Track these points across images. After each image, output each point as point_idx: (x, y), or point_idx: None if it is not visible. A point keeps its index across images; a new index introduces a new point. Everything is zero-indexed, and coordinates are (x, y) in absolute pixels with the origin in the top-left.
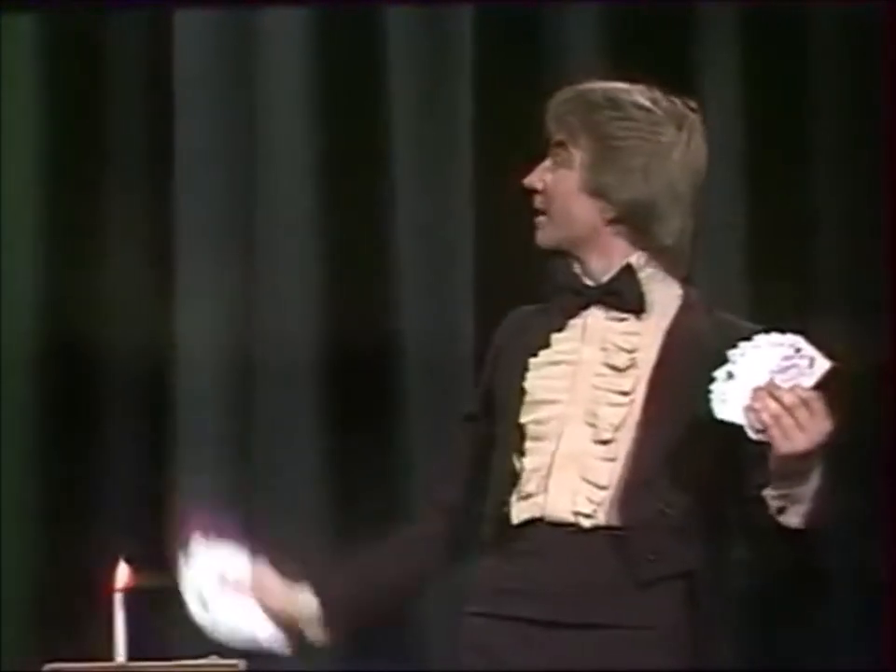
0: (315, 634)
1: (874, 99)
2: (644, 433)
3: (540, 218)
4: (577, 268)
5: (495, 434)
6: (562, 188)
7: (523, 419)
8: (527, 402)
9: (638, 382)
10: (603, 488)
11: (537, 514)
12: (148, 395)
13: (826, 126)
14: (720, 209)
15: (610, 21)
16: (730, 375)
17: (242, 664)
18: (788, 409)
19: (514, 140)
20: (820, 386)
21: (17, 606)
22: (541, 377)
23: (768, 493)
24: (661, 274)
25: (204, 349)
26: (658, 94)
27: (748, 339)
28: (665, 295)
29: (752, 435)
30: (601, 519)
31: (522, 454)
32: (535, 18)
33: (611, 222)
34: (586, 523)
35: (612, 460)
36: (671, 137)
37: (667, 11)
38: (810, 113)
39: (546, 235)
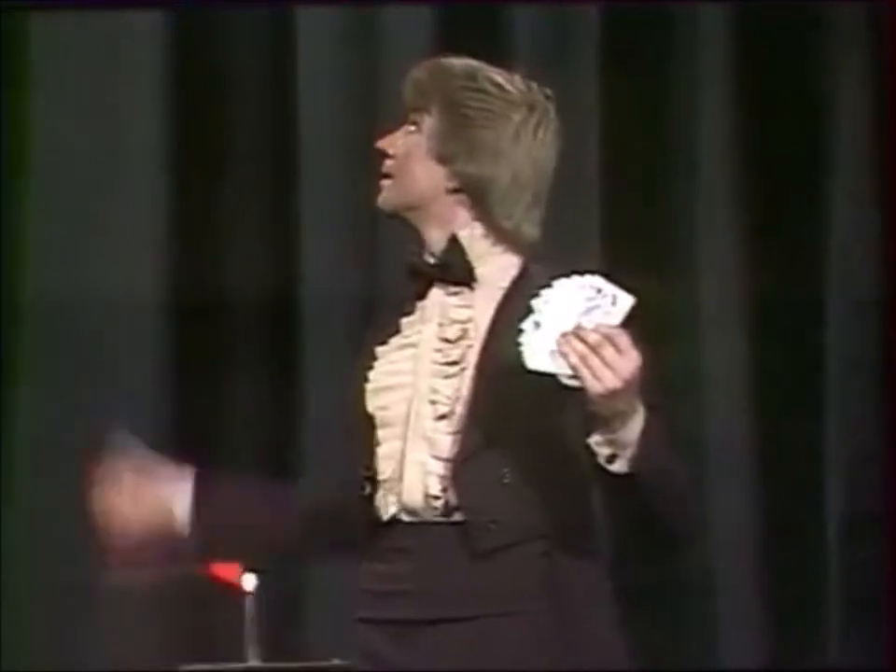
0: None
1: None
2: (475, 402)
3: (385, 181)
4: (418, 247)
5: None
6: (411, 151)
7: (369, 408)
8: (370, 391)
9: (469, 352)
10: (449, 461)
11: (396, 506)
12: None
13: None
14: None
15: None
16: (537, 325)
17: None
18: (593, 348)
19: None
20: (628, 323)
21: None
22: (387, 363)
23: (594, 440)
24: (499, 248)
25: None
26: (517, 78)
27: (548, 286)
28: (499, 268)
29: (566, 381)
30: (451, 498)
31: (376, 443)
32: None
33: (453, 192)
34: (436, 504)
35: (456, 433)
36: (521, 118)
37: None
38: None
39: (388, 198)
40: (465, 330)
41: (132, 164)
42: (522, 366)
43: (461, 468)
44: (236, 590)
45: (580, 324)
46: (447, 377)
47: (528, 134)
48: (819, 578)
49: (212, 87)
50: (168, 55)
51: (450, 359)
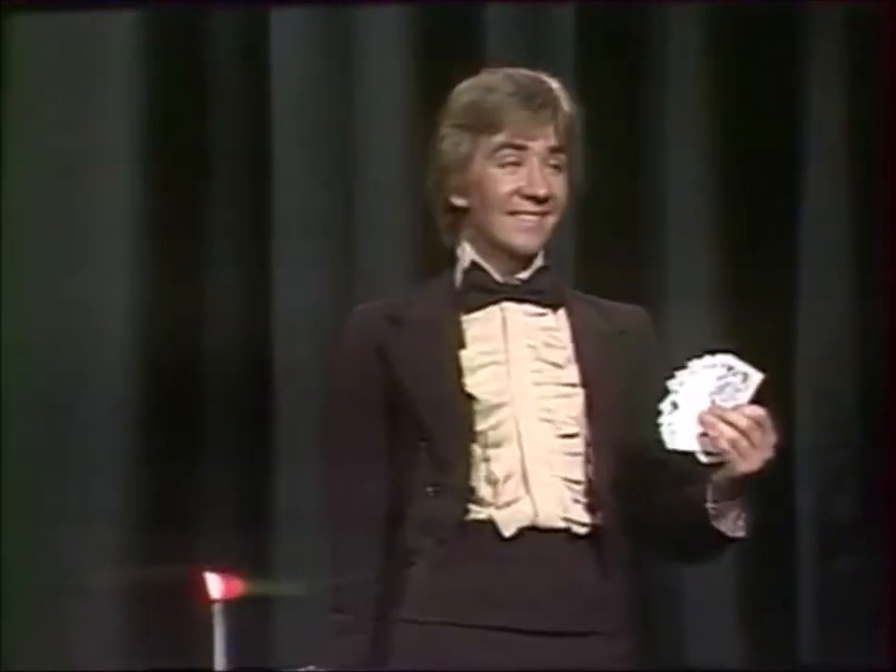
0: None
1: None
2: (596, 427)
3: (548, 220)
4: (486, 265)
5: (419, 442)
6: (567, 189)
7: (481, 426)
8: (479, 409)
9: (575, 375)
10: (580, 483)
11: (526, 523)
12: (247, 402)
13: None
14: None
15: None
16: (674, 405)
17: None
18: (743, 432)
19: None
20: (758, 400)
21: (113, 616)
22: (480, 381)
23: (709, 506)
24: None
25: (304, 348)
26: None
27: (683, 367)
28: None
29: (704, 459)
30: (589, 521)
31: (486, 460)
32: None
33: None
34: (579, 529)
35: (578, 454)
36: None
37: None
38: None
39: (543, 240)
40: (569, 356)
41: (104, 168)
42: (625, 395)
43: (594, 487)
44: (206, 597)
45: (714, 403)
46: (564, 397)
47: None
48: (791, 584)
49: (185, 90)
50: (141, 57)
51: (567, 381)
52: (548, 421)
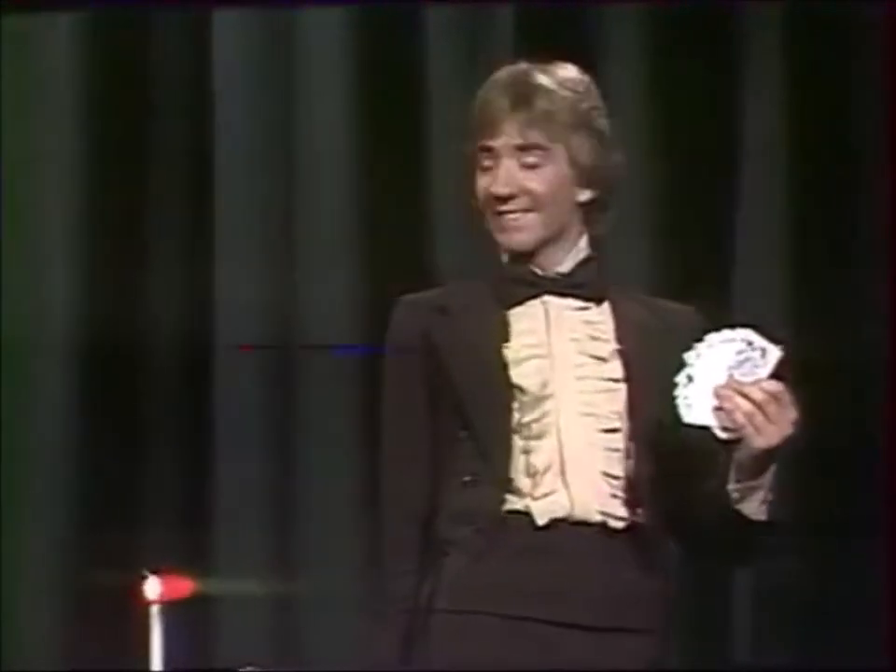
0: None
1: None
2: (643, 421)
3: (525, 219)
4: (523, 259)
5: (458, 432)
6: (551, 183)
7: (525, 418)
8: (524, 400)
9: (619, 369)
10: (618, 478)
11: (561, 514)
12: (188, 402)
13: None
14: None
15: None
16: (690, 378)
17: None
18: (759, 405)
19: None
20: (777, 374)
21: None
22: (524, 373)
23: (731, 486)
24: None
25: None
26: (568, 66)
27: (700, 340)
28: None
29: (721, 435)
30: (627, 517)
31: (526, 452)
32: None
33: (581, 206)
34: (616, 524)
35: (619, 450)
36: (597, 104)
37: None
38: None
39: (534, 235)
40: (611, 348)
41: (46, 167)
42: (667, 392)
43: (634, 483)
44: (142, 598)
45: (732, 377)
46: (607, 392)
47: (603, 115)
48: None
49: (128, 90)
50: (84, 58)
51: (610, 376)
52: (590, 415)
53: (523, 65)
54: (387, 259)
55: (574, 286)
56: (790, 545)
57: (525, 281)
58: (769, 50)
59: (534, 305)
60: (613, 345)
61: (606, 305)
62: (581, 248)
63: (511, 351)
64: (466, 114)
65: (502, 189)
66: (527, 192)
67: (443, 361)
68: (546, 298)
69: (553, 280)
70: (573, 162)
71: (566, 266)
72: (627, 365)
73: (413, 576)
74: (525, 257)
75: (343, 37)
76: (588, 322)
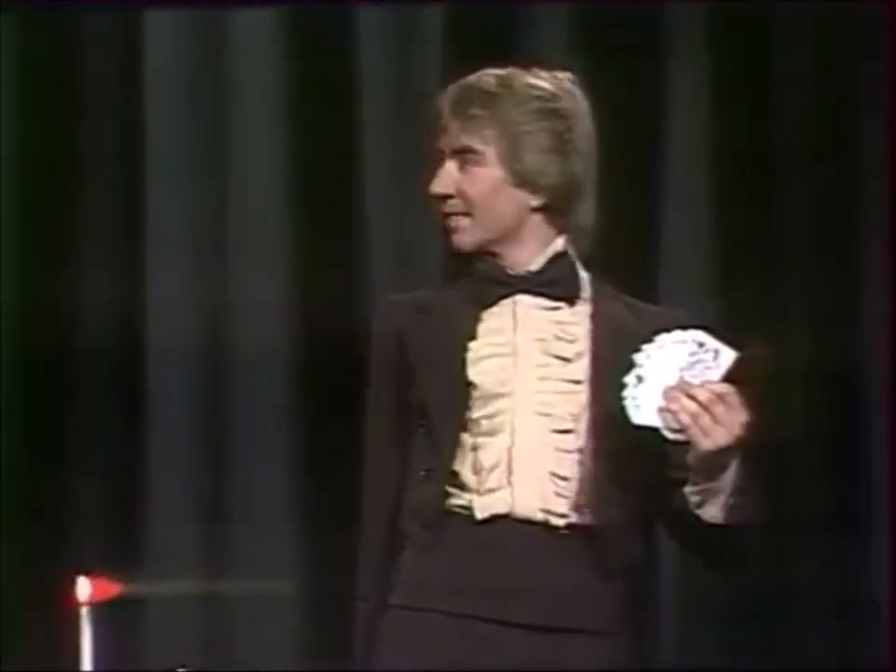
0: None
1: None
2: (600, 425)
3: (462, 221)
4: (491, 259)
5: (420, 427)
6: (488, 185)
7: (475, 414)
8: (477, 397)
9: (583, 371)
10: (566, 479)
11: (502, 510)
12: (119, 402)
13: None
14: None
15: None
16: (639, 379)
17: None
18: (704, 406)
19: None
20: (732, 377)
21: None
22: (483, 370)
23: (688, 489)
24: (575, 258)
25: (176, 348)
26: (543, 73)
27: (650, 341)
28: (582, 280)
29: (669, 436)
30: (571, 516)
31: (475, 448)
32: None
33: (537, 210)
34: (558, 521)
35: (571, 451)
36: (571, 110)
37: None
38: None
39: (471, 237)
40: (577, 349)
41: None
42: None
43: (590, 490)
44: (72, 600)
45: (683, 379)
46: (565, 393)
47: (583, 122)
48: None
49: (59, 91)
50: (15, 57)
51: (571, 377)
52: (546, 415)
53: (486, 70)
54: (320, 261)
55: (545, 283)
56: (780, 547)
57: (498, 280)
58: (697, 51)
59: (505, 305)
60: (581, 346)
61: (583, 306)
62: (557, 247)
63: (473, 349)
64: (399, 113)
65: (437, 189)
66: (461, 194)
67: (412, 359)
68: (518, 297)
69: (523, 278)
70: (508, 167)
71: (536, 264)
72: (594, 367)
73: (376, 573)
74: (493, 256)
75: (275, 38)
76: (557, 322)
